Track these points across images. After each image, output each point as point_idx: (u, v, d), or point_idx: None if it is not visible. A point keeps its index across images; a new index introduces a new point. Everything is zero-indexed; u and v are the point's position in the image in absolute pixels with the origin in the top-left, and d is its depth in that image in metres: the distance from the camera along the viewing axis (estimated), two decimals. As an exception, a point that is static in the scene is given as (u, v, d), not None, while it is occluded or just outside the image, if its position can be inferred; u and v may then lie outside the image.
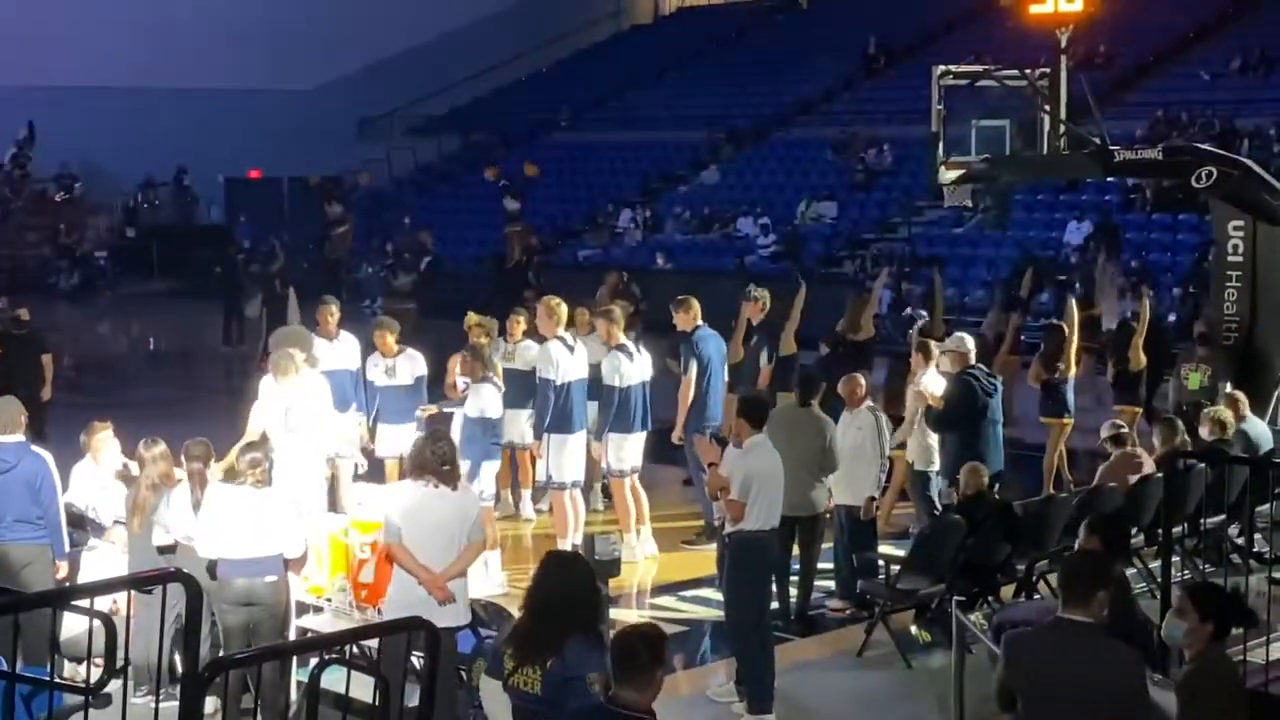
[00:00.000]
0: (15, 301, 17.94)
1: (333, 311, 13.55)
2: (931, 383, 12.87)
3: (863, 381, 12.09)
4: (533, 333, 13.51)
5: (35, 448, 9.98)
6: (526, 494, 14.09)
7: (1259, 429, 12.57)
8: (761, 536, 9.47)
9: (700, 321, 13.42)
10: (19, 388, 14.77)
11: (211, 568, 8.94)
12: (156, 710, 7.00)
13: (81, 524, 10.64)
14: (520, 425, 13.41)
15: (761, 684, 9.44)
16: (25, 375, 15.46)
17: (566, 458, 12.55)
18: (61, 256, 35.36)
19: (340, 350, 13.54)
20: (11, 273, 34.22)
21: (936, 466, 12.84)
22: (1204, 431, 12.03)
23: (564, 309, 12.85)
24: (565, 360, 12.54)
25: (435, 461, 8.61)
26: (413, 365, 13.55)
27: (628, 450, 12.87)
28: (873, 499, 11.59)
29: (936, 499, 12.78)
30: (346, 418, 13.23)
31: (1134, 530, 11.39)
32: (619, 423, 12.78)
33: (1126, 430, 12.75)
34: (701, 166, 35.12)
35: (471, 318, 13.45)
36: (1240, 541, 11.65)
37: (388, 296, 31.91)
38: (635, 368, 12.87)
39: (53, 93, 34.72)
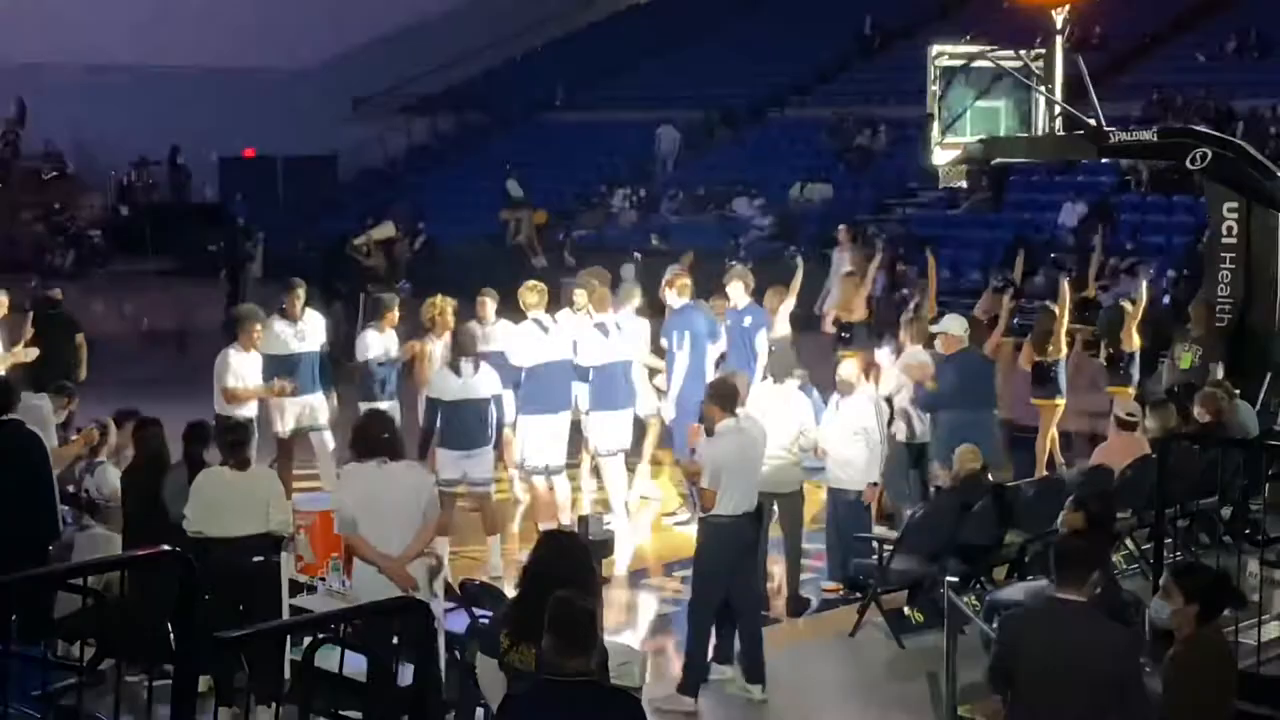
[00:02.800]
0: (47, 283, 17.95)
1: (299, 294, 13.57)
2: (915, 361, 12.84)
3: (857, 365, 12.06)
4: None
5: (30, 426, 9.99)
6: (512, 473, 14.10)
7: (1244, 413, 12.59)
8: (732, 522, 9.44)
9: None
10: (54, 368, 14.89)
11: (199, 548, 8.96)
12: (150, 689, 7.01)
13: (76, 503, 10.66)
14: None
15: (692, 668, 9.44)
16: (59, 355, 15.48)
17: (544, 439, 12.53)
18: (55, 235, 35.29)
19: (308, 330, 13.53)
20: (6, 250, 34.17)
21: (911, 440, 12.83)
22: (1198, 413, 12.05)
23: (541, 291, 12.91)
24: (538, 342, 12.53)
25: (378, 433, 8.55)
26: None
27: (614, 429, 12.89)
28: (875, 485, 11.56)
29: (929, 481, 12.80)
30: (318, 396, 13.30)
31: (1129, 512, 11.43)
32: (603, 401, 12.82)
33: (1138, 418, 12.68)
34: (697, 149, 35.06)
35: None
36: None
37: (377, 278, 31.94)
38: (613, 346, 12.90)
39: (45, 70, 34.63)
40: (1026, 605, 7.98)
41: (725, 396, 9.67)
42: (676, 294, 13.59)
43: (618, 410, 12.92)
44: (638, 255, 22.22)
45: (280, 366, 13.07)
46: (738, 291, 14.18)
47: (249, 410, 12.50)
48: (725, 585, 9.58)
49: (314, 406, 13.25)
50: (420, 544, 8.47)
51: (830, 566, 11.72)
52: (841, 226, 23.26)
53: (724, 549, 9.50)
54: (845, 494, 11.48)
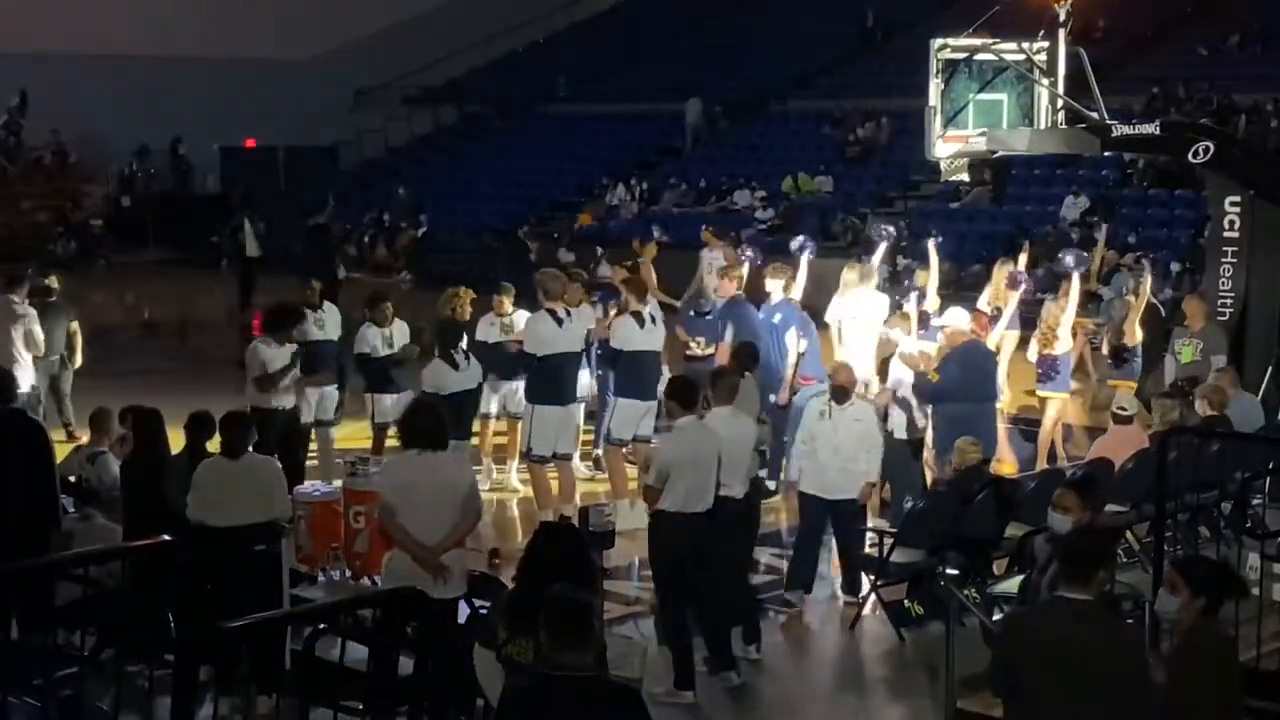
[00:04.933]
0: (44, 270, 18.01)
1: (315, 285, 13.85)
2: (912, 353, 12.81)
3: (853, 372, 11.94)
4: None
5: (31, 414, 10.00)
6: (513, 464, 14.13)
7: (1247, 405, 12.58)
8: (678, 518, 9.34)
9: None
10: (50, 355, 14.89)
11: (200, 537, 8.97)
12: (151, 678, 7.02)
13: (77, 493, 10.67)
14: (513, 396, 13.57)
15: (681, 662, 9.38)
16: (53, 342, 15.49)
17: (550, 430, 12.57)
18: (57, 224, 35.30)
19: (327, 320, 13.65)
20: (8, 240, 34.16)
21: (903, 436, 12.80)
22: (1199, 407, 12.05)
23: (562, 281, 13.00)
24: (552, 332, 12.58)
25: (421, 421, 8.54)
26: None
27: (634, 419, 12.92)
28: (873, 485, 11.43)
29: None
30: (332, 388, 13.36)
31: (1128, 506, 11.42)
32: (628, 389, 12.86)
33: (1133, 411, 12.68)
34: (699, 141, 35.04)
35: None
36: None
37: (382, 268, 32.14)
38: (646, 336, 12.94)
39: (48, 60, 34.61)
40: (1030, 604, 7.96)
41: (682, 392, 9.64)
42: (731, 285, 13.85)
43: (644, 401, 12.97)
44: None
45: (302, 355, 13.14)
46: (775, 288, 14.35)
47: (287, 400, 12.49)
48: (683, 581, 9.51)
49: (329, 397, 13.32)
50: (457, 536, 8.38)
51: (801, 575, 11.25)
52: (705, 226, 22.91)
53: (672, 545, 9.42)
54: (851, 503, 11.16)
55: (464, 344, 12.61)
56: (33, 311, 14.97)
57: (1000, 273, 17.05)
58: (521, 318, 13.64)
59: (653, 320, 13.19)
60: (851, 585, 11.22)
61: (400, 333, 13.56)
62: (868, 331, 14.14)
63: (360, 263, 32.74)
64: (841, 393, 11.23)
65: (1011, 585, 9.71)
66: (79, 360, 15.86)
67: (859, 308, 14.41)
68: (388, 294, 14.03)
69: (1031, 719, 6.19)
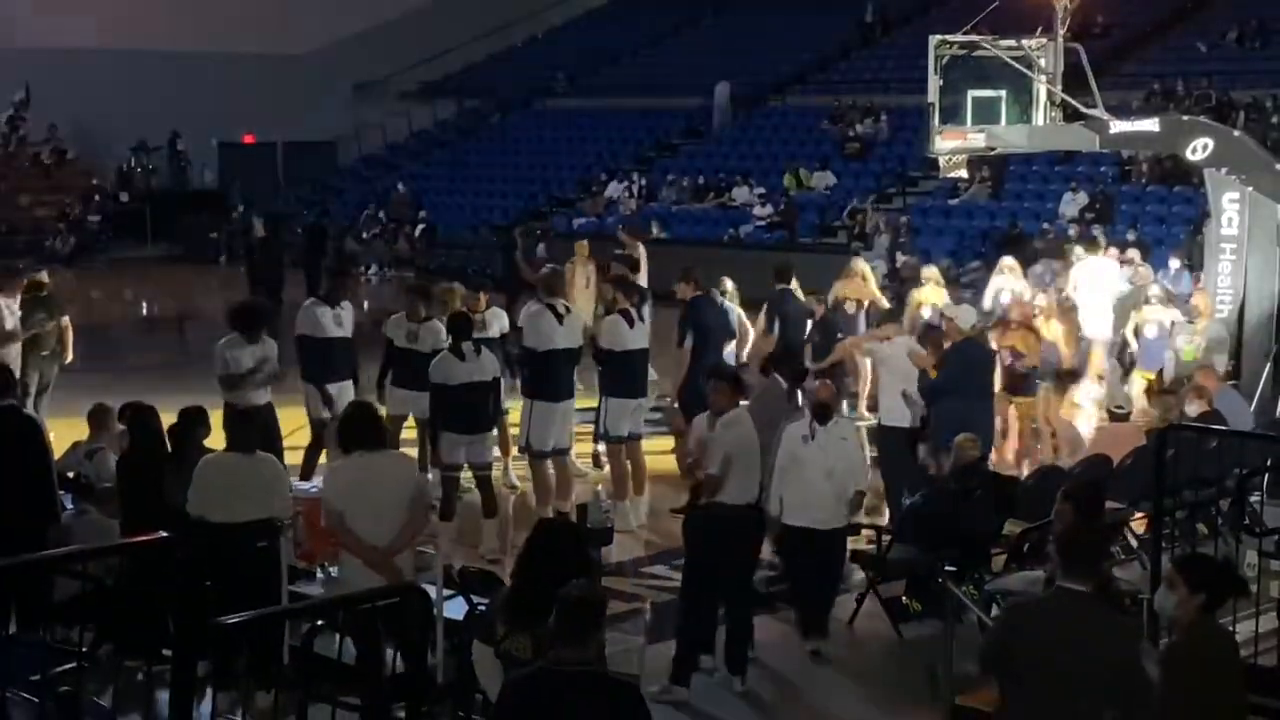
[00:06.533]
0: (37, 266, 18.00)
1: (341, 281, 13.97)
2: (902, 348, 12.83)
3: (833, 389, 11.85)
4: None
5: (27, 410, 9.99)
6: (507, 460, 14.13)
7: (1234, 401, 12.59)
8: (731, 512, 9.38)
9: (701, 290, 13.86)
10: (39, 351, 14.90)
11: (198, 531, 8.96)
12: (149, 673, 7.02)
13: (76, 488, 10.66)
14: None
15: (683, 657, 9.38)
16: (43, 337, 15.48)
17: (547, 425, 12.57)
18: (56, 220, 35.28)
19: (344, 316, 13.65)
20: (6, 237, 34.16)
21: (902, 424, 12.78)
22: (1190, 409, 12.07)
23: (560, 276, 13.07)
24: (552, 328, 12.58)
25: (360, 425, 8.51)
26: (500, 321, 13.89)
27: (626, 416, 12.92)
28: (863, 494, 11.27)
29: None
30: (349, 383, 13.35)
31: (1126, 502, 11.44)
32: (619, 388, 12.85)
33: (1128, 409, 12.74)
34: (698, 134, 34.99)
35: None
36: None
37: (389, 263, 32.14)
38: (635, 334, 12.95)
39: (46, 55, 34.57)
40: (1032, 594, 7.97)
41: (736, 382, 9.66)
42: (689, 287, 13.88)
43: (633, 399, 12.98)
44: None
45: (317, 350, 13.07)
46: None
47: (258, 398, 12.41)
48: (717, 576, 9.53)
49: (346, 392, 13.25)
50: (406, 537, 8.35)
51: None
52: (620, 226, 22.80)
53: (719, 538, 9.44)
54: (832, 536, 10.40)
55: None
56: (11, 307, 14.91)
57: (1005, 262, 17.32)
58: (494, 315, 13.69)
59: (641, 319, 13.20)
60: (818, 626, 10.38)
61: (430, 331, 13.34)
62: (1102, 299, 16.51)
63: (350, 259, 32.78)
64: (824, 411, 10.32)
65: (1012, 581, 9.73)
66: (69, 355, 15.85)
67: (1094, 278, 16.86)
68: (426, 288, 14.02)
69: (1029, 710, 6.21)
